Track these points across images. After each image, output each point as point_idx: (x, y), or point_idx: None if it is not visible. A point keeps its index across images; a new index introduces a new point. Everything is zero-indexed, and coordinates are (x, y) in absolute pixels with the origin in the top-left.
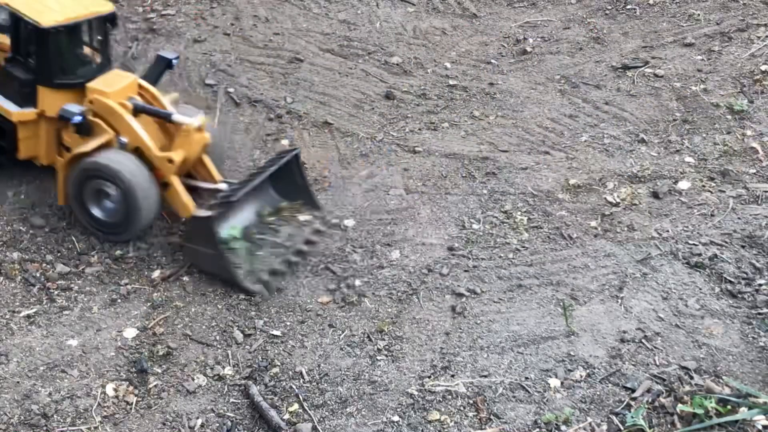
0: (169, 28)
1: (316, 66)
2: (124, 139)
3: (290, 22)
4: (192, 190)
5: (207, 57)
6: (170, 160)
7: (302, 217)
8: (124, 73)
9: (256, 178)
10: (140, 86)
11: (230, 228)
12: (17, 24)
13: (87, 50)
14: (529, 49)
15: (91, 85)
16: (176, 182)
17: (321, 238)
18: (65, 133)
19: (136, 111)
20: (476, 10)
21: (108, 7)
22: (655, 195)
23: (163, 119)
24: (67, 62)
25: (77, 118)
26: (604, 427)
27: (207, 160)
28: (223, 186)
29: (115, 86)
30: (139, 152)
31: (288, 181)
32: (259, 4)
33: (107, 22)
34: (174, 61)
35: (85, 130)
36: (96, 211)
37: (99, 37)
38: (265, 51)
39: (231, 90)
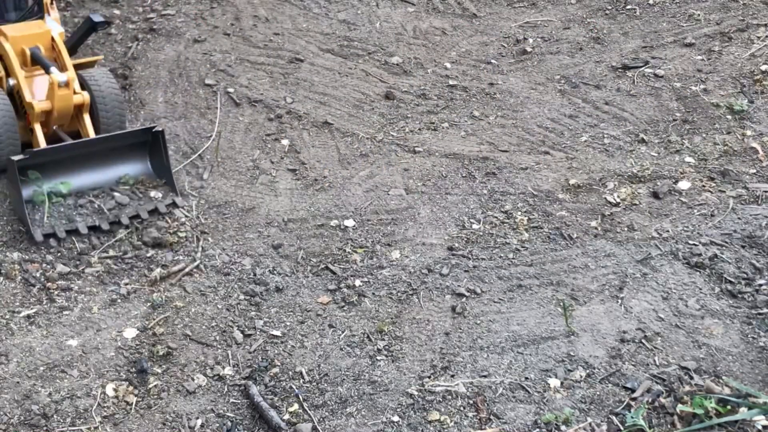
0: (169, 28)
1: (316, 66)
2: (12, 82)
3: (290, 22)
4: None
5: (207, 57)
6: (32, 106)
7: (152, 194)
8: (45, 24)
9: (101, 142)
10: (52, 39)
11: (59, 182)
12: None
13: None
14: (529, 49)
15: (2, 27)
16: (37, 128)
17: (153, 218)
18: None
19: (32, 60)
20: (476, 10)
21: None
22: (655, 195)
23: (44, 70)
24: None
25: None
26: (604, 427)
27: (86, 118)
28: (67, 139)
29: (22, 32)
30: (20, 97)
31: (156, 158)
32: (259, 4)
33: None
34: (100, 26)
35: None
36: None
37: None
38: (265, 51)
39: (231, 90)
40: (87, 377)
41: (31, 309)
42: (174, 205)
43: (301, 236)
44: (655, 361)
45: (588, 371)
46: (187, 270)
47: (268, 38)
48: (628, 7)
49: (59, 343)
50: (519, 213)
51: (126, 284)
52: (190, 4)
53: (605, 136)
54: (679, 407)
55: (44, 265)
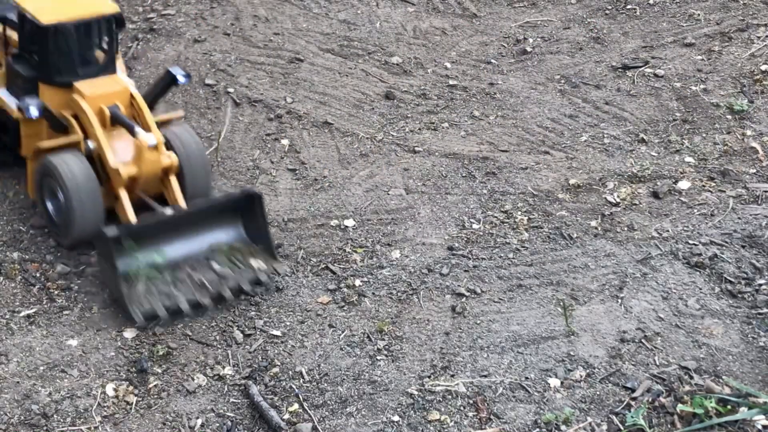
0: (169, 28)
1: (316, 66)
2: (92, 144)
3: (290, 22)
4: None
5: (207, 57)
6: (118, 172)
7: (254, 263)
8: (121, 79)
9: (196, 211)
10: (132, 96)
11: (154, 253)
12: (22, 21)
13: (93, 50)
14: (529, 49)
15: (77, 85)
16: (123, 196)
17: (256, 290)
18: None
19: (113, 119)
20: (476, 10)
21: (113, 8)
22: (655, 195)
23: (128, 131)
24: (67, 61)
25: (32, 111)
26: (604, 427)
27: (173, 181)
28: (166, 211)
29: (99, 90)
30: (101, 161)
31: (251, 222)
32: (259, 4)
33: (113, 23)
34: (181, 79)
35: (62, 128)
36: (50, 209)
37: (104, 38)
38: (265, 51)
39: (231, 90)
40: (87, 377)
41: (31, 309)
42: (276, 272)
43: (301, 236)
44: (655, 360)
45: (588, 371)
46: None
47: (268, 38)
48: (628, 7)
49: (59, 343)
50: (519, 213)
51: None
52: (190, 4)
53: (605, 136)
54: (679, 407)
55: (44, 265)
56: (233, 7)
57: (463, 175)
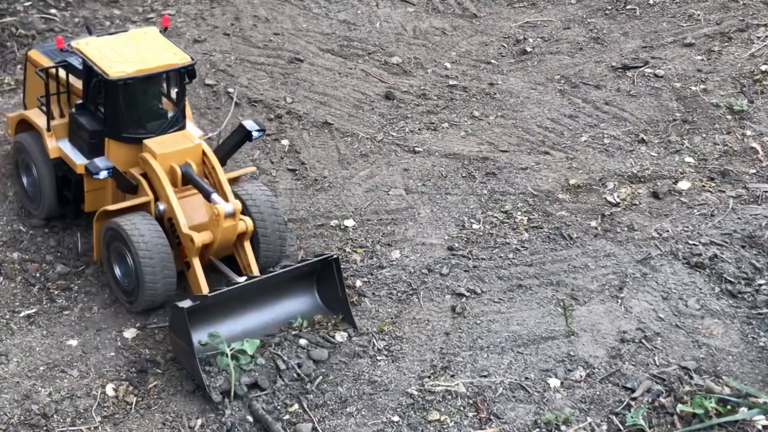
0: (169, 29)
1: (316, 66)
2: (162, 206)
3: (290, 22)
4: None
5: (207, 57)
6: (192, 240)
7: (337, 336)
8: (192, 135)
9: (272, 279)
10: (204, 153)
11: (244, 341)
12: (89, 72)
13: (163, 103)
14: (529, 49)
15: (147, 142)
16: (196, 264)
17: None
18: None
19: (185, 180)
20: (476, 10)
21: (185, 60)
22: (655, 195)
23: (204, 196)
24: (136, 115)
25: (102, 174)
26: (604, 427)
27: (247, 247)
28: (239, 279)
29: (170, 148)
30: (171, 224)
31: (327, 289)
32: (259, 4)
33: (184, 75)
34: (255, 134)
35: (131, 188)
36: (117, 274)
37: (174, 90)
38: (265, 51)
39: (231, 90)
40: (87, 377)
41: (31, 309)
42: (350, 339)
43: (301, 236)
44: (655, 361)
45: (588, 371)
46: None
47: (268, 38)
48: (628, 7)
49: (59, 343)
50: (519, 213)
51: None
52: (190, 4)
53: (605, 136)
54: (679, 407)
55: (44, 265)
56: (233, 7)
57: (463, 175)
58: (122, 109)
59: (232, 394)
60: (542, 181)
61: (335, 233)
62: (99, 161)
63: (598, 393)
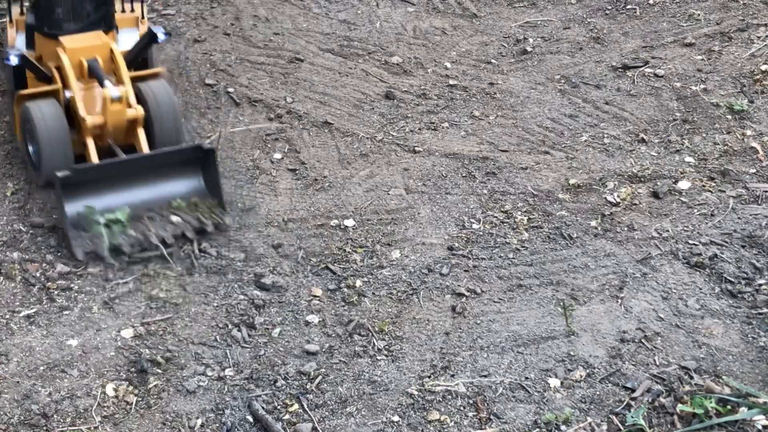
0: (169, 28)
1: (316, 66)
2: (69, 94)
3: (290, 22)
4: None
5: (207, 57)
6: (84, 121)
7: (209, 222)
8: (105, 36)
9: (152, 157)
10: (111, 51)
11: (117, 210)
12: None
13: (85, 7)
14: (529, 49)
15: (62, 38)
16: (89, 143)
17: (198, 236)
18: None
19: (90, 72)
20: (476, 10)
21: None
22: (655, 195)
23: (99, 83)
24: (56, 13)
25: (11, 61)
26: (604, 427)
27: (140, 133)
28: (122, 155)
29: (80, 44)
30: (75, 110)
31: (211, 177)
32: (259, 4)
33: None
34: (161, 37)
35: (46, 78)
36: (30, 150)
37: None
38: (265, 51)
39: (231, 90)
40: (87, 377)
41: (31, 309)
42: (223, 223)
43: (301, 236)
44: (655, 360)
45: (588, 371)
46: (187, 270)
47: (268, 38)
48: (628, 7)
49: (59, 342)
50: (519, 213)
51: (125, 283)
52: (190, 4)
53: (605, 135)
54: (679, 407)
55: (44, 265)
56: (233, 7)
57: (463, 175)
58: (44, 6)
59: (106, 254)
60: (542, 180)
61: (335, 233)
62: (12, 50)
63: (598, 393)
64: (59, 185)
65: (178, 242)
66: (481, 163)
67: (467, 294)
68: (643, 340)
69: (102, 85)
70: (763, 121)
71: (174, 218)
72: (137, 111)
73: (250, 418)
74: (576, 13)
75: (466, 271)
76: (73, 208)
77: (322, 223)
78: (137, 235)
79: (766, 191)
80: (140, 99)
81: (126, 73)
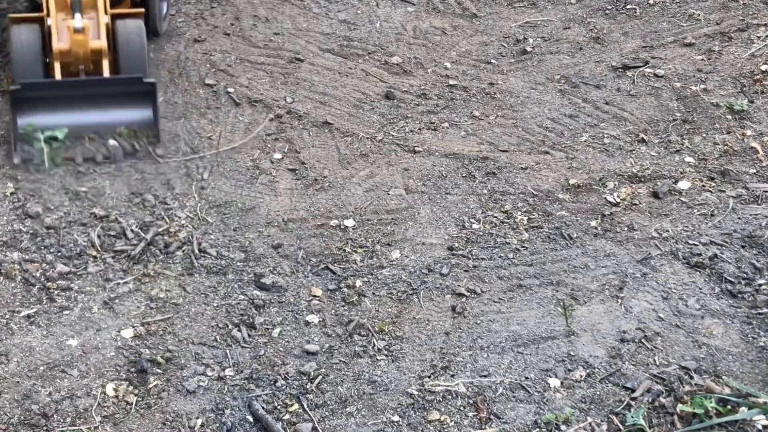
0: (168, 28)
1: (316, 66)
2: (49, 22)
3: (290, 22)
4: None
5: (207, 57)
6: (51, 46)
7: (140, 148)
8: None
9: (91, 84)
10: None
11: (56, 128)
12: None
13: None
14: (529, 49)
15: None
16: (56, 66)
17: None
18: None
19: (71, 6)
20: (476, 10)
21: None
22: (655, 195)
23: (72, 15)
24: None
25: None
26: (604, 427)
27: (104, 63)
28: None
29: None
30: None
31: (151, 110)
32: (259, 4)
33: None
34: None
35: (37, 7)
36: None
37: None
38: (265, 51)
39: (231, 90)
40: (87, 377)
41: (31, 309)
42: (154, 153)
43: (301, 236)
44: (655, 361)
45: (588, 371)
46: (187, 270)
47: (268, 38)
48: (628, 7)
49: (59, 342)
50: (519, 213)
51: (125, 283)
52: (190, 4)
53: (605, 136)
54: (679, 407)
55: (44, 265)
56: (233, 7)
57: (463, 175)
58: None
59: (44, 164)
60: (542, 180)
61: (335, 233)
62: None
63: (598, 393)
64: (10, 98)
65: (108, 160)
66: (481, 163)
67: (467, 294)
68: (643, 340)
69: (73, 17)
70: (763, 121)
71: (111, 141)
72: (101, 42)
73: (250, 418)
74: (576, 13)
75: (466, 271)
76: (24, 120)
77: (322, 223)
78: (75, 150)
79: (766, 191)
80: (114, 33)
81: (103, 9)
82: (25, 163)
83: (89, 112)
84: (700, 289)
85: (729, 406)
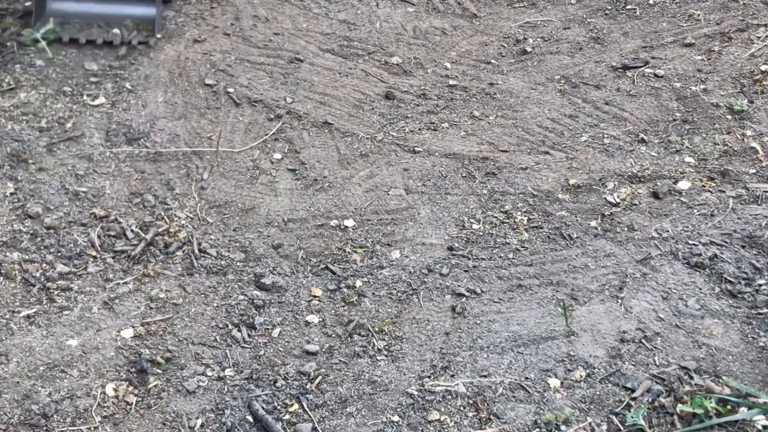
0: (169, 28)
1: (316, 66)
2: None
3: (290, 22)
4: None
5: (207, 57)
6: None
7: (134, 39)
8: None
9: None
10: None
11: (77, 15)
12: None
13: None
14: (529, 49)
15: None
16: None
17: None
18: None
19: None
20: (476, 10)
21: None
22: (655, 195)
23: None
24: None
25: None
26: (604, 427)
27: None
28: None
29: None
30: None
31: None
32: (259, 4)
33: None
34: None
35: None
36: None
37: None
38: (265, 51)
39: (231, 90)
40: (87, 377)
41: (31, 309)
42: (147, 43)
43: (301, 236)
44: (655, 361)
45: (588, 371)
46: (187, 270)
47: (268, 38)
48: (628, 7)
49: (59, 343)
50: (519, 213)
51: (125, 284)
52: (190, 4)
53: (605, 136)
54: (679, 407)
55: (44, 265)
56: (233, 7)
57: (463, 175)
58: None
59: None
60: (542, 181)
61: (335, 233)
62: None
63: (598, 393)
64: None
65: (107, 43)
66: (481, 163)
67: (467, 294)
68: (643, 340)
69: None
70: (763, 121)
71: (115, 30)
72: None
73: (250, 418)
74: (576, 13)
75: (466, 271)
76: (56, 4)
77: (322, 224)
78: (81, 33)
79: (766, 191)
80: None
81: None
82: (41, 38)
83: (102, 3)
84: (700, 289)
85: (729, 406)
